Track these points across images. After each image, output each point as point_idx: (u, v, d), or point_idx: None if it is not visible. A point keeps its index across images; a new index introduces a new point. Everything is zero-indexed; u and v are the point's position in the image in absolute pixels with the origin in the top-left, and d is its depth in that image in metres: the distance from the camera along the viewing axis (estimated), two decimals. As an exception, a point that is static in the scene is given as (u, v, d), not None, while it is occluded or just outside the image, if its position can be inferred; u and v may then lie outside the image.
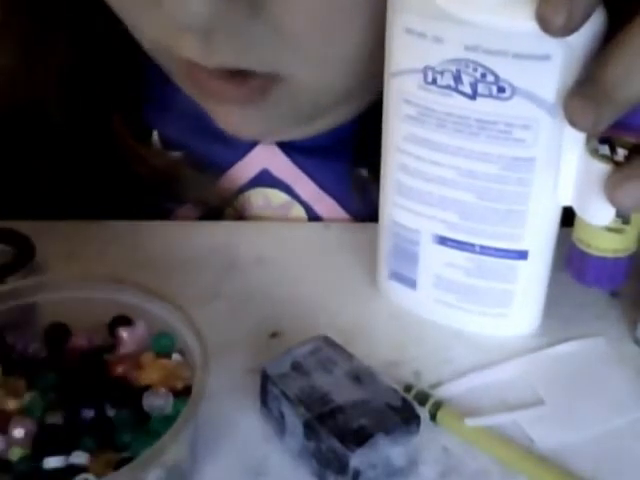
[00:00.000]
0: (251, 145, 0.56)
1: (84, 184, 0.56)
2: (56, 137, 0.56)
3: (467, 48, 0.38)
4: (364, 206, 0.54)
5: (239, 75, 0.45)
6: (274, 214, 0.57)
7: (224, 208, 0.57)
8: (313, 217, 0.57)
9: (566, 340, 0.45)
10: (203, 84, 0.47)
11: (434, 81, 0.40)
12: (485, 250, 0.43)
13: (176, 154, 0.57)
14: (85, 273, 0.43)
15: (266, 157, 0.56)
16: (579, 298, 0.48)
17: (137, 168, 0.56)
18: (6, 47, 0.54)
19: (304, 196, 0.56)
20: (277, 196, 0.56)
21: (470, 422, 0.40)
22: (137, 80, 0.56)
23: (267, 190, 0.56)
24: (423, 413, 0.40)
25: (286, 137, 0.54)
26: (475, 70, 0.39)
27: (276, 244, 0.52)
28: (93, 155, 0.56)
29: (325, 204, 0.56)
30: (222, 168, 0.56)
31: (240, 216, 0.57)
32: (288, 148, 0.55)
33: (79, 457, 0.36)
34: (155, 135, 0.57)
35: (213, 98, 0.48)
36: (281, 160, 0.56)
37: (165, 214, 0.57)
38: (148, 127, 0.57)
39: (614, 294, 0.48)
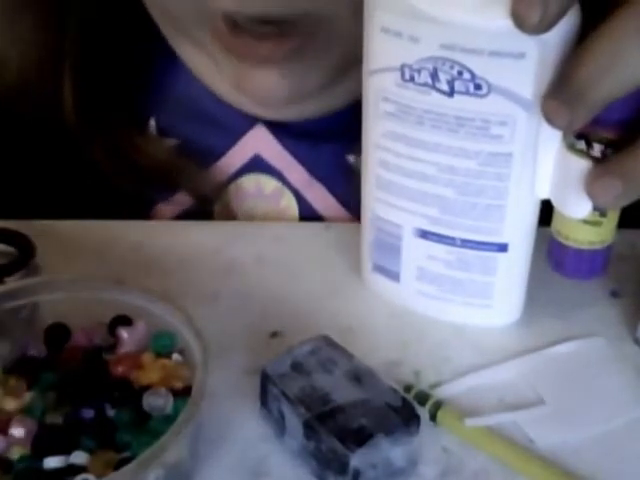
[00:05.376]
0: (244, 130, 0.56)
1: (79, 175, 0.56)
2: (64, 131, 0.55)
3: (443, 46, 0.39)
4: (354, 193, 0.54)
5: (279, 35, 0.47)
6: (266, 205, 0.57)
7: (216, 198, 0.57)
8: (303, 205, 0.57)
9: (566, 340, 0.45)
10: (242, 47, 0.48)
11: (411, 79, 0.40)
12: (466, 243, 0.44)
13: (171, 141, 0.57)
14: (85, 273, 0.43)
15: (258, 142, 0.56)
16: (579, 298, 0.48)
17: (133, 158, 0.56)
18: (21, 30, 0.54)
19: (294, 182, 0.57)
20: (268, 183, 0.57)
21: (470, 422, 0.40)
22: (136, 67, 0.56)
23: (259, 176, 0.57)
24: (423, 413, 0.40)
25: (305, 109, 0.54)
26: (452, 68, 0.39)
27: (276, 244, 0.52)
28: (91, 145, 0.56)
29: (315, 191, 0.57)
30: (215, 155, 0.56)
31: (232, 205, 0.57)
32: (280, 133, 0.56)
33: (79, 457, 0.36)
34: (152, 123, 0.57)
35: (251, 60, 0.49)
36: (273, 145, 0.56)
37: (152, 204, 0.57)
38: (145, 115, 0.57)
39: (614, 294, 0.48)
